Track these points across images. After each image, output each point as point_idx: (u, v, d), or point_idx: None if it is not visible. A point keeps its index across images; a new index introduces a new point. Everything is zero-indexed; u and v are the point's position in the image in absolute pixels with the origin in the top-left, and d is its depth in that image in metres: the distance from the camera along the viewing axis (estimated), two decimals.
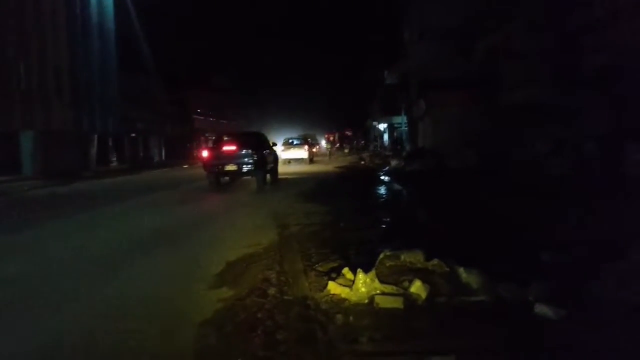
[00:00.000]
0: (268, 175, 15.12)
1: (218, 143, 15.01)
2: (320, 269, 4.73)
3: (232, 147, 14.08)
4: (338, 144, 53.52)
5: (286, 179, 17.12)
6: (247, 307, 3.75)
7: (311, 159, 29.60)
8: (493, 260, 4.29)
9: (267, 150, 15.30)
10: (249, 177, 14.37)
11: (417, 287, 3.78)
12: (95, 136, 25.73)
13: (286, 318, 3.50)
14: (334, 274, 4.38)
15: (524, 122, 11.99)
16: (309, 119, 60.87)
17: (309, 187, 13.90)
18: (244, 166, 13.63)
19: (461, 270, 4.01)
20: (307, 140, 32.23)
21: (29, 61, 20.78)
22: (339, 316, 3.48)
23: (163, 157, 36.86)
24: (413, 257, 4.38)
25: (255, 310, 3.67)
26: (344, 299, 3.83)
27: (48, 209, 10.56)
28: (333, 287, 4.01)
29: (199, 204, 11.06)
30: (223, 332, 3.29)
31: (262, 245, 5.99)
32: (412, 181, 12.80)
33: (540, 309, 3.33)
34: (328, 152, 41.64)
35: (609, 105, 8.14)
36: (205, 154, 14.37)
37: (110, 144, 28.90)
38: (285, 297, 3.95)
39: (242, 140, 14.76)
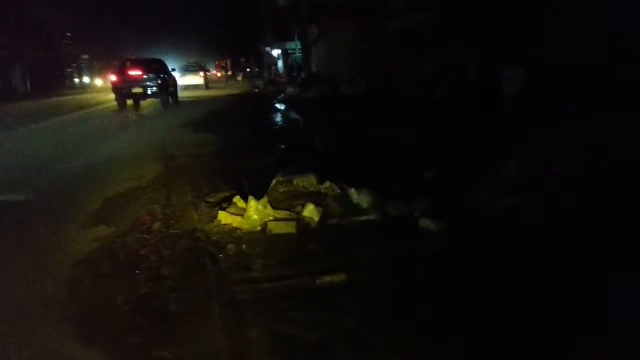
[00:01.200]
0: (170, 98, 16.87)
1: (124, 68, 16.72)
2: (211, 200, 4.50)
3: (139, 72, 16.13)
4: (231, 72, 51.21)
5: (184, 102, 18.25)
6: (128, 244, 3.45)
7: (207, 85, 30.10)
8: (382, 181, 4.40)
9: (168, 75, 17.30)
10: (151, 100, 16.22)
11: (310, 211, 3.76)
12: None
13: (173, 253, 3.29)
14: (226, 204, 4.19)
15: (410, 48, 12.26)
16: (197, 46, 56.72)
17: (202, 114, 13.73)
18: (149, 89, 15.78)
19: (352, 191, 4.04)
20: (202, 67, 33.30)
21: None
22: (230, 246, 3.35)
23: (29, 89, 32.34)
24: (306, 182, 4.32)
25: (137, 247, 3.39)
26: (236, 229, 3.70)
27: None
28: (224, 217, 3.84)
29: (82, 136, 9.95)
30: (99, 273, 2.99)
31: (147, 178, 5.55)
32: (307, 108, 12.70)
33: (424, 223, 3.50)
34: (224, 79, 40.50)
35: (488, 31, 8.54)
36: (114, 78, 16.43)
37: None
38: (172, 231, 3.70)
39: (146, 66, 16.89)
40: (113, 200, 4.66)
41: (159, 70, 16.62)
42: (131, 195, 4.84)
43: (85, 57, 43.69)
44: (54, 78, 34.92)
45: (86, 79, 43.18)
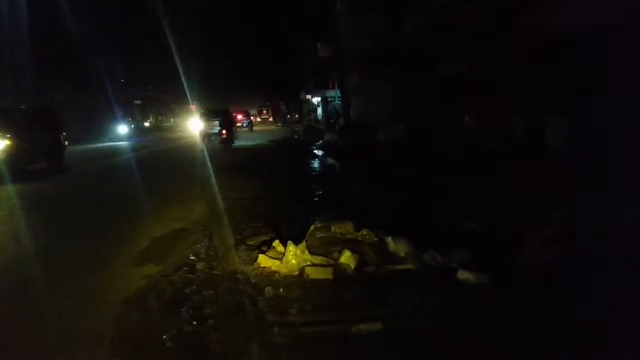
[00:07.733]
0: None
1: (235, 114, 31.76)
2: (251, 242, 4.65)
3: (241, 116, 34.88)
4: (271, 117, 53.12)
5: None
6: (173, 283, 3.62)
7: (251, 128, 39.15)
8: (420, 229, 4.43)
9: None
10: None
11: (346, 258, 3.83)
12: None
13: (215, 293, 3.42)
14: (265, 247, 4.34)
15: (453, 96, 12.37)
16: (238, 92, 59.05)
17: (242, 157, 14.00)
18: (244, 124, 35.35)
19: (389, 239, 4.10)
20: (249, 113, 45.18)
21: None
22: (268, 289, 3.45)
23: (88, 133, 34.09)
24: (343, 228, 4.43)
25: (182, 286, 3.56)
26: (275, 272, 3.81)
27: None
28: (263, 260, 3.97)
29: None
30: (146, 310, 3.16)
31: (191, 220, 5.80)
32: (345, 155, 12.92)
33: (463, 274, 3.49)
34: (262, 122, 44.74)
35: (534, 81, 8.53)
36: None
37: None
38: (215, 272, 3.85)
39: (244, 113, 36.83)
40: (160, 240, 4.89)
41: (248, 115, 39.51)
42: (176, 235, 5.08)
43: (138, 102, 46.27)
44: (107, 123, 36.68)
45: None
